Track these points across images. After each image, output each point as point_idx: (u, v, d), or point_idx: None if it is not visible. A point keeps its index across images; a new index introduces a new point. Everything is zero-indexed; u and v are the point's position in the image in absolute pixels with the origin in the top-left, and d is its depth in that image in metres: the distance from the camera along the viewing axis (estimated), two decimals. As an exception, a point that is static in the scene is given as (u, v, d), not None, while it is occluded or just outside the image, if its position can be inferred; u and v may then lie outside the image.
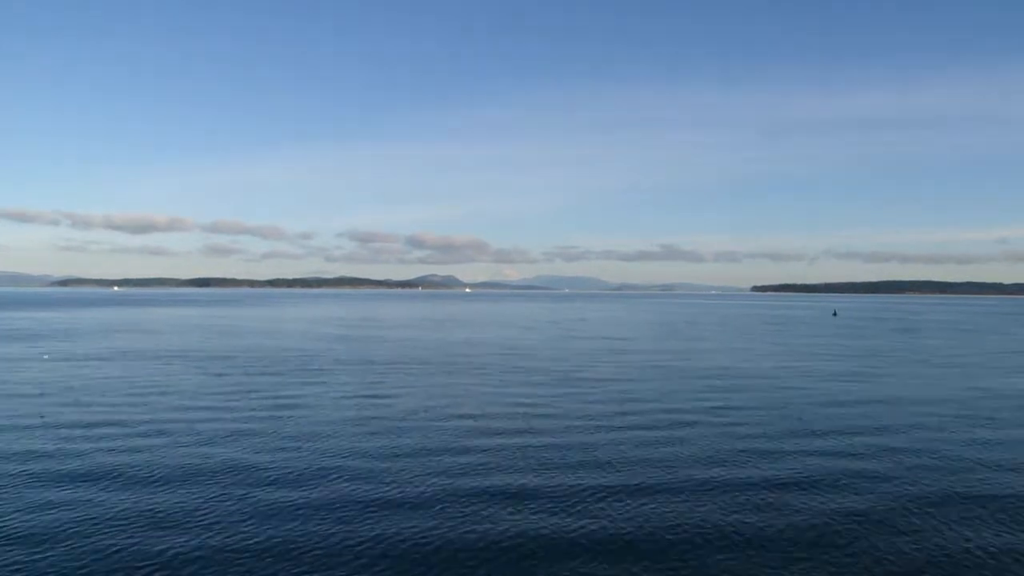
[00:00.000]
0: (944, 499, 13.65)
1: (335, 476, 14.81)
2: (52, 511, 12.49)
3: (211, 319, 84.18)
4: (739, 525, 12.21)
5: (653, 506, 13.14)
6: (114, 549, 10.93)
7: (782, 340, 56.78)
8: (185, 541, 11.24)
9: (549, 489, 14.05)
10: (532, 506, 13.08)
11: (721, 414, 22.29)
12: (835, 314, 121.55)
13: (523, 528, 11.97)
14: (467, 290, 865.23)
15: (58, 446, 17.21)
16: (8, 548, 10.92)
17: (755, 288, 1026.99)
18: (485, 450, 17.18)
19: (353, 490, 13.88)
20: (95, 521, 12.05)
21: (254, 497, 13.36)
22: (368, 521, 12.24)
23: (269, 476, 14.76)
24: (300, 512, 12.61)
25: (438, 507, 12.96)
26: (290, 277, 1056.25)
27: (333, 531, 11.76)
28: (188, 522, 12.06)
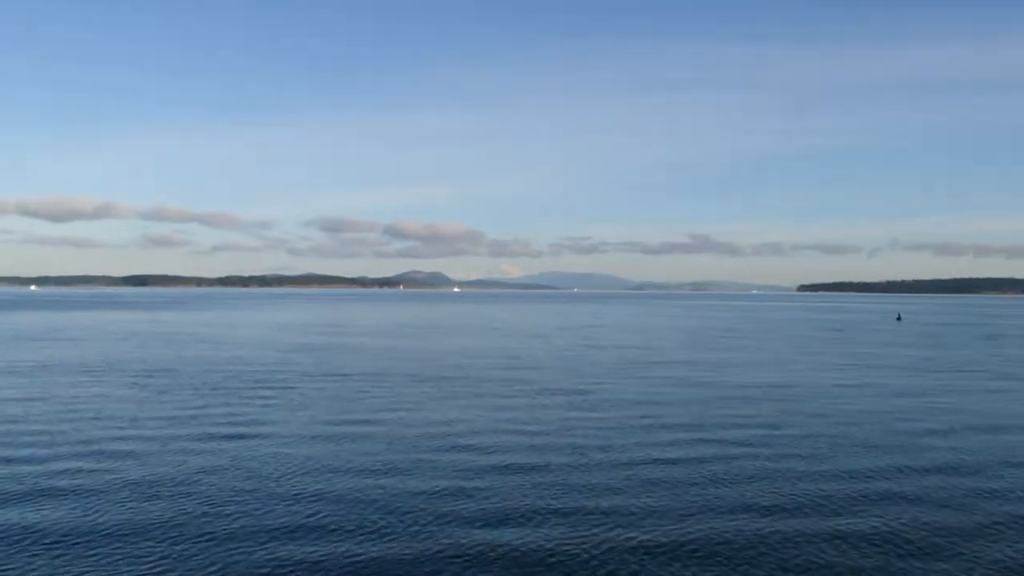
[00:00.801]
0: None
1: (305, 529, 14.42)
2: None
3: (150, 324, 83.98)
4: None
5: (695, 569, 12.75)
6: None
7: (841, 350, 56.64)
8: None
9: (564, 547, 13.68)
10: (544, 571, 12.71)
11: (770, 443, 22.02)
12: (899, 318, 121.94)
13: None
14: (456, 289, 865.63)
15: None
16: None
17: (802, 287, 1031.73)
18: (480, 490, 16.81)
19: (323, 547, 13.48)
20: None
21: (203, 557, 12.94)
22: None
23: (226, 530, 14.35)
24: None
25: (428, 569, 12.58)
26: (246, 274, 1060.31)
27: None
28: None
